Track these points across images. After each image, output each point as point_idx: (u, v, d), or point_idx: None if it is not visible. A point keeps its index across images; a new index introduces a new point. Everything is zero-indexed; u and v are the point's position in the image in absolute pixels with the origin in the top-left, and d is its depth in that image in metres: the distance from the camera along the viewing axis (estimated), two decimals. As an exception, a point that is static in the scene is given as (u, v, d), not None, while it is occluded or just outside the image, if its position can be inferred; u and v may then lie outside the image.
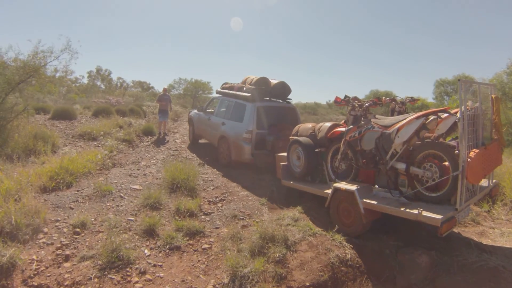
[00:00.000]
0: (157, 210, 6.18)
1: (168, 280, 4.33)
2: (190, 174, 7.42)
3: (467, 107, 4.70)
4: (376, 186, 5.76)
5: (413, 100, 7.08)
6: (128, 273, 4.36)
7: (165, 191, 6.92)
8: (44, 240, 5.02)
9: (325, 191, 6.12)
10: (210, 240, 5.34)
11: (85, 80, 40.28)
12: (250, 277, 4.19)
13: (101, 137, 11.77)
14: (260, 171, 8.58)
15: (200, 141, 12.37)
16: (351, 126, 5.76)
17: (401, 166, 5.11)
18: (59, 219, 5.67)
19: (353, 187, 5.37)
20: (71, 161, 7.90)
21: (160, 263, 4.65)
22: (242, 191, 7.53)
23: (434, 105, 27.48)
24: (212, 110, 10.79)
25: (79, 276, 4.26)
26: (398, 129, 5.04)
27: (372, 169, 5.68)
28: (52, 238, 5.10)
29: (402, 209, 4.77)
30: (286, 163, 7.25)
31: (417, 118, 4.94)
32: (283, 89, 9.72)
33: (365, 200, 5.20)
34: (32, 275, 4.29)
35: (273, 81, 9.70)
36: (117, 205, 6.37)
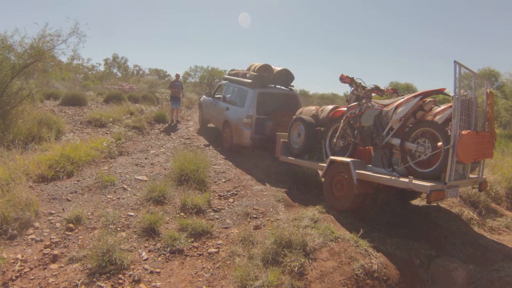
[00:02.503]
0: (161, 205, 5.58)
1: (165, 292, 3.71)
2: (201, 165, 6.80)
3: (462, 92, 4.88)
4: (370, 165, 5.90)
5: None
6: (120, 281, 3.76)
7: (171, 183, 6.32)
8: (33, 236, 4.50)
9: (320, 164, 6.53)
10: (217, 242, 4.70)
11: (102, 68, 40.19)
12: (262, 292, 3.54)
13: (110, 123, 11.25)
14: (276, 162, 8.04)
15: (208, 125, 12.44)
16: (354, 103, 6.05)
17: (396, 141, 5.32)
18: (53, 212, 5.14)
19: (348, 159, 5.66)
20: (73, 148, 7.37)
21: (158, 270, 4.03)
22: (256, 185, 6.89)
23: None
24: (220, 96, 11.03)
25: (65, 282, 3.69)
26: (396, 107, 5.37)
27: (369, 145, 5.88)
28: (42, 234, 4.57)
29: (393, 178, 5.03)
30: (286, 140, 7.50)
31: (414, 97, 5.24)
32: (286, 76, 9.78)
33: (358, 171, 5.39)
34: (13, 277, 3.76)
35: (276, 68, 9.72)
36: (118, 198, 5.80)
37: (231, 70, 11.34)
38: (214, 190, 6.50)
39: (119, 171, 7.09)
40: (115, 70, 40.15)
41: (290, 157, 7.33)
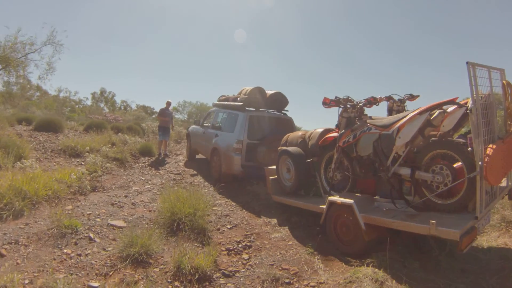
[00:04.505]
0: (144, 267, 3.69)
1: None
2: (199, 206, 5.01)
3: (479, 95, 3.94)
4: (378, 197, 4.95)
5: (412, 97, 5.87)
6: None
7: (159, 232, 4.46)
8: None
9: (320, 206, 5.16)
10: None
11: (89, 102, 38.89)
12: None
13: (87, 153, 9.36)
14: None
15: (197, 156, 11.24)
16: (344, 130, 5.04)
17: (406, 171, 4.37)
18: (-31, 276, 3.21)
19: (350, 200, 4.55)
20: (29, 178, 5.48)
21: None
22: (274, 233, 5.19)
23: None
24: (209, 124, 10.26)
25: None
26: (399, 129, 4.37)
27: (371, 178, 4.97)
28: None
29: (410, 222, 3.97)
30: (276, 176, 6.37)
31: (420, 113, 4.25)
32: (279, 100, 9.12)
33: (365, 215, 4.36)
34: None
35: (269, 92, 9.10)
36: (79, 254, 3.91)
37: (221, 96, 10.64)
38: (220, 242, 4.69)
39: (88, 213, 5.23)
40: (102, 105, 38.73)
41: (284, 197, 6.10)
